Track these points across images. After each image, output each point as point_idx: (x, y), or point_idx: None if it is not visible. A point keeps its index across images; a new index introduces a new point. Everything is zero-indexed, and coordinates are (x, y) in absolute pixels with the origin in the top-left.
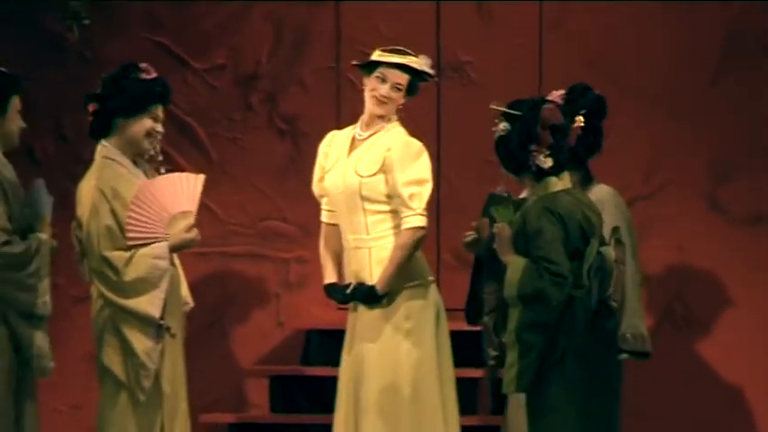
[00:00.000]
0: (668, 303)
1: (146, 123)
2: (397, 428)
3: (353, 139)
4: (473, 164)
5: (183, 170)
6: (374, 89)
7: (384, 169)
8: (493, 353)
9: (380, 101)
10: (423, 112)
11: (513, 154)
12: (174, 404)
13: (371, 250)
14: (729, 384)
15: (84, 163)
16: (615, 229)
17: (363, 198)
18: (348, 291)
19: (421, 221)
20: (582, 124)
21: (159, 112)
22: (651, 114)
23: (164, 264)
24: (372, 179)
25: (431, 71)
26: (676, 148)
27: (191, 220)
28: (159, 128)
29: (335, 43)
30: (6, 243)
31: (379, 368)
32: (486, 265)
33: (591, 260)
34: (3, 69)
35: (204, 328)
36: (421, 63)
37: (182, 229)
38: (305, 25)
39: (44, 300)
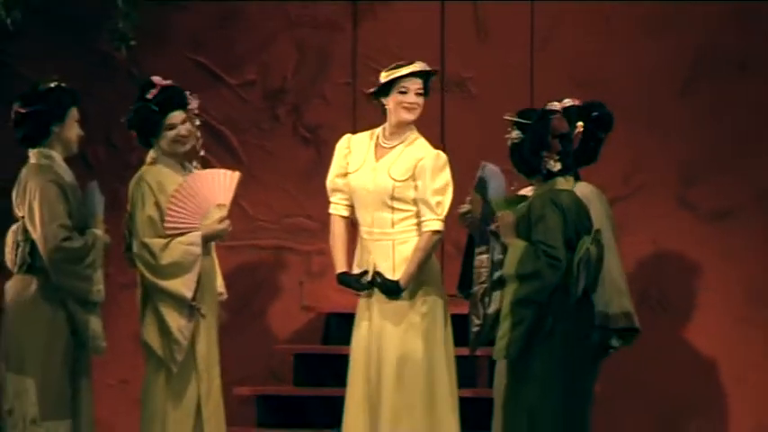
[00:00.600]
0: (645, 290)
1: (170, 134)
2: (414, 397)
3: (378, 145)
4: (473, 168)
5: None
6: (401, 101)
7: (414, 176)
8: (477, 321)
9: (410, 108)
10: (429, 122)
11: (526, 159)
12: (209, 380)
13: (394, 242)
14: (702, 359)
15: (131, 167)
16: (597, 231)
17: (394, 198)
18: (367, 279)
19: (441, 226)
20: (581, 130)
21: (176, 119)
22: (629, 124)
23: (196, 250)
24: (404, 183)
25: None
26: (651, 154)
27: (224, 212)
28: (183, 131)
29: (352, 62)
30: (67, 239)
31: (398, 345)
32: (476, 241)
33: (581, 254)
34: (62, 84)
35: (236, 312)
36: (424, 66)
37: (215, 221)
38: (325, 47)
39: (98, 288)
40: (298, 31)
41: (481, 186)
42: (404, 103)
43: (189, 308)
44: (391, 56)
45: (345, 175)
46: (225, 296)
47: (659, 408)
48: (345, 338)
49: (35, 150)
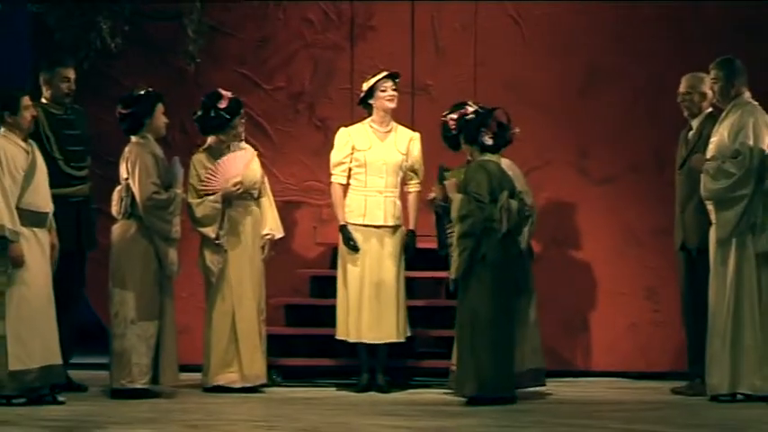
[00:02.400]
0: (553, 232)
1: (233, 132)
2: (389, 302)
3: (375, 131)
4: (436, 149)
5: (262, 154)
6: (383, 96)
7: (407, 151)
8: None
9: (391, 99)
10: (403, 115)
11: (471, 130)
12: (240, 293)
13: (396, 198)
14: (591, 279)
15: (197, 147)
16: (520, 192)
17: (401, 168)
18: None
19: (420, 187)
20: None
21: (239, 122)
22: (543, 116)
23: (218, 206)
24: (404, 156)
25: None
26: (557, 137)
27: (239, 178)
28: (241, 129)
29: (350, 73)
30: (156, 192)
31: (394, 266)
32: (442, 216)
33: (501, 203)
34: (150, 89)
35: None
36: (390, 71)
37: (231, 184)
38: (331, 62)
39: (176, 229)
40: (312, 50)
41: (441, 180)
42: (386, 97)
43: (216, 245)
44: (377, 68)
45: (351, 153)
46: (274, 235)
47: (561, 312)
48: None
49: (135, 135)
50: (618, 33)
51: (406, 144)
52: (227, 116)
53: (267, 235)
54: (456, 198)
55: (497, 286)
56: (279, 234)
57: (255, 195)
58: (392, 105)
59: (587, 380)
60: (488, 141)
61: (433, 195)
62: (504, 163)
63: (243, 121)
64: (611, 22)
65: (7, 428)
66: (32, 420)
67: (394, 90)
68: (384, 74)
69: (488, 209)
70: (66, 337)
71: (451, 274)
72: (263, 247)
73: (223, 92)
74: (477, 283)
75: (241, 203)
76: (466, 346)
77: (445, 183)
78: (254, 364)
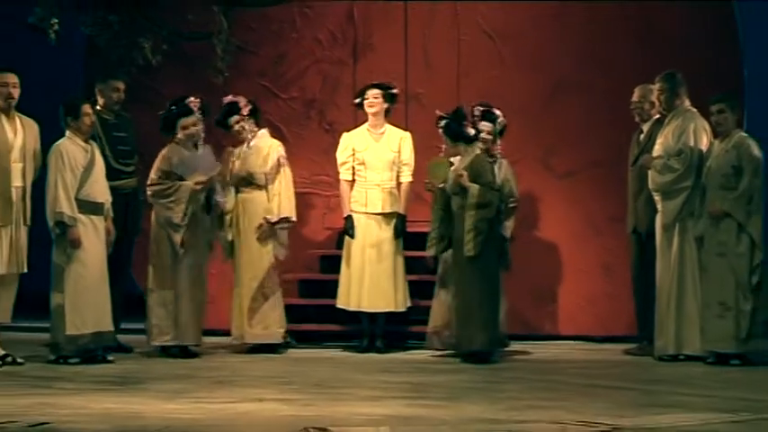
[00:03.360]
0: (524, 218)
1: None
2: (387, 272)
3: (371, 133)
4: (426, 148)
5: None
6: (366, 104)
7: (398, 149)
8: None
9: (370, 105)
10: (398, 120)
11: (458, 125)
12: (252, 271)
13: (392, 189)
14: (555, 258)
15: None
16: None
17: (394, 163)
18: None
19: (411, 178)
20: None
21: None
22: (513, 119)
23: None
24: (396, 153)
25: (387, 85)
26: (526, 137)
27: (203, 178)
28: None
29: (353, 85)
30: (156, 183)
31: (392, 246)
32: (436, 201)
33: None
34: (187, 98)
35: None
36: (390, 85)
37: (194, 183)
38: (338, 76)
39: (179, 215)
40: (321, 65)
41: (434, 166)
42: (367, 104)
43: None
44: (375, 80)
45: (353, 154)
46: (270, 219)
47: (531, 286)
48: None
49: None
50: (581, 50)
51: (397, 143)
52: (174, 117)
53: (266, 218)
54: (474, 188)
55: (498, 262)
56: (273, 218)
57: (261, 183)
58: (371, 111)
59: (554, 343)
60: (471, 133)
61: (427, 181)
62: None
63: (194, 121)
64: (575, 41)
65: (63, 384)
66: (85, 377)
67: (376, 97)
68: (368, 85)
69: (499, 195)
70: (116, 306)
71: (467, 252)
72: (261, 227)
73: (192, 99)
74: (487, 260)
75: (249, 190)
76: (478, 312)
77: (458, 172)
78: (255, 326)
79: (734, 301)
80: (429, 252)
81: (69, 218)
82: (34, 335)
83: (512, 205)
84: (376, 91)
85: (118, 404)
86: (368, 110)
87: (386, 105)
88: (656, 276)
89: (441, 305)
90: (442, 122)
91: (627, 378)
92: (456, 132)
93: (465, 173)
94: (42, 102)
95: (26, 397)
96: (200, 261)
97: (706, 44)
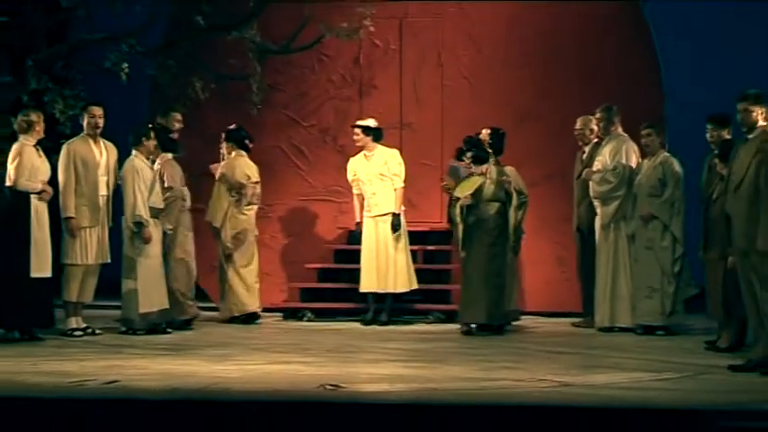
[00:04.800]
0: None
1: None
2: (401, 261)
3: (365, 156)
4: (418, 165)
5: (300, 168)
6: (354, 140)
7: (386, 162)
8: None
9: (356, 141)
10: (394, 143)
11: (482, 152)
12: (247, 264)
13: (385, 197)
14: (523, 251)
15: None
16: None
17: (384, 175)
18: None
19: (403, 183)
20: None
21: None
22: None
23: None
24: (386, 167)
25: (362, 124)
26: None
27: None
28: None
29: (359, 117)
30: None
31: (394, 240)
32: (451, 200)
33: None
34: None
35: (305, 229)
36: (364, 124)
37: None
38: (346, 109)
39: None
40: (334, 101)
41: (453, 171)
42: (355, 140)
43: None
44: (377, 115)
45: (354, 175)
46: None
47: None
48: (357, 242)
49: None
50: (539, 90)
51: (385, 158)
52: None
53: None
54: (513, 193)
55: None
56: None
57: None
58: (358, 144)
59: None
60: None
61: (444, 183)
62: (508, 168)
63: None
64: (534, 82)
65: (132, 350)
66: (151, 345)
67: (357, 135)
68: (352, 125)
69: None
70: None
71: (512, 250)
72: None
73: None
74: (506, 249)
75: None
76: (499, 291)
77: (507, 182)
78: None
79: (660, 285)
80: (462, 253)
81: (145, 220)
82: (105, 312)
83: (523, 200)
84: (356, 129)
85: (175, 366)
86: (356, 144)
87: (369, 137)
88: (596, 265)
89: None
90: (469, 155)
91: (573, 345)
92: (481, 158)
93: (511, 180)
94: (116, 128)
95: (102, 360)
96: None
97: (635, 82)
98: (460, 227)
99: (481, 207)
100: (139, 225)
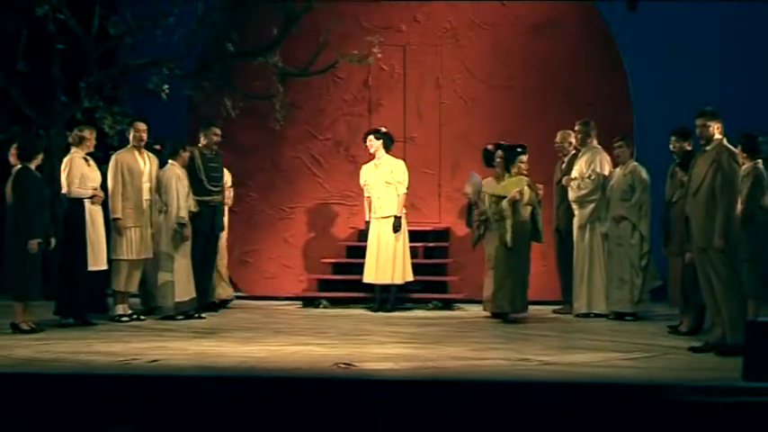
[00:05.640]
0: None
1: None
2: (395, 257)
3: (375, 164)
4: (421, 174)
5: (317, 176)
6: (367, 145)
7: (391, 171)
8: (475, 233)
9: (368, 147)
10: (400, 155)
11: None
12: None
13: (389, 201)
14: None
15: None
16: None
17: (390, 183)
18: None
19: (405, 190)
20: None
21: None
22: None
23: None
24: (390, 175)
25: (376, 132)
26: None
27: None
28: None
29: (367, 110)
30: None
31: (395, 238)
32: (472, 203)
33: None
34: None
35: (323, 228)
36: (379, 130)
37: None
38: (357, 124)
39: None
40: (347, 117)
41: (473, 180)
42: (368, 145)
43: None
44: (389, 123)
45: (365, 181)
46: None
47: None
48: (367, 239)
49: None
50: (523, 107)
51: (391, 167)
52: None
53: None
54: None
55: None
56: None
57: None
58: (371, 150)
59: None
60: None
61: (465, 190)
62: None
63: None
64: (518, 99)
65: (171, 333)
66: (186, 328)
67: (370, 141)
68: (366, 131)
69: None
70: (209, 281)
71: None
72: None
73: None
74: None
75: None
76: (522, 284)
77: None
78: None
79: (629, 277)
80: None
81: (186, 221)
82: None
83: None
84: (370, 136)
85: (208, 347)
86: (369, 150)
87: (379, 142)
88: (574, 260)
89: (491, 281)
90: (498, 160)
91: (554, 329)
92: (510, 164)
93: (541, 187)
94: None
95: (145, 342)
96: None
97: (607, 101)
98: (509, 222)
99: (519, 209)
100: (182, 225)
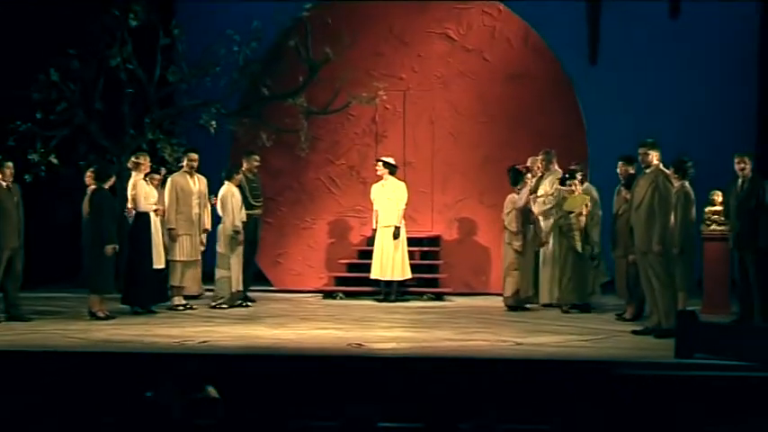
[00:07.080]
0: (470, 229)
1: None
2: (397, 255)
3: (382, 185)
4: (416, 193)
5: (334, 193)
6: (377, 171)
7: (393, 191)
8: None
9: (377, 170)
10: (401, 177)
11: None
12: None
13: (390, 214)
14: (489, 253)
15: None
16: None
17: (392, 200)
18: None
19: (404, 206)
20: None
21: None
22: (460, 176)
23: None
24: (394, 193)
25: (384, 160)
26: (469, 186)
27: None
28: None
29: (375, 157)
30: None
31: (396, 242)
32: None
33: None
34: None
35: (339, 235)
36: (386, 160)
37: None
38: (367, 151)
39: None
40: (358, 146)
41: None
42: (377, 171)
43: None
44: (392, 152)
45: (374, 197)
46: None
47: (473, 265)
48: (374, 244)
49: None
50: (499, 138)
51: (394, 188)
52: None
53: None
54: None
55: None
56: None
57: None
58: (378, 173)
59: (487, 297)
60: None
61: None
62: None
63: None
64: (495, 133)
65: (219, 319)
66: (230, 315)
67: (378, 167)
68: (376, 159)
69: None
70: (251, 277)
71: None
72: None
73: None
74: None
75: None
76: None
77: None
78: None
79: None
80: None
81: (241, 229)
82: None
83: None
84: (379, 163)
85: (248, 330)
86: (377, 173)
87: (386, 170)
88: (541, 261)
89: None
90: (578, 176)
91: (525, 316)
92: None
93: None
94: (207, 166)
95: (197, 326)
96: None
97: (567, 135)
98: (578, 233)
99: (571, 218)
100: (237, 232)
